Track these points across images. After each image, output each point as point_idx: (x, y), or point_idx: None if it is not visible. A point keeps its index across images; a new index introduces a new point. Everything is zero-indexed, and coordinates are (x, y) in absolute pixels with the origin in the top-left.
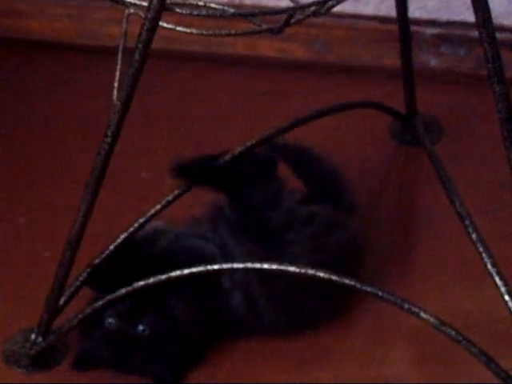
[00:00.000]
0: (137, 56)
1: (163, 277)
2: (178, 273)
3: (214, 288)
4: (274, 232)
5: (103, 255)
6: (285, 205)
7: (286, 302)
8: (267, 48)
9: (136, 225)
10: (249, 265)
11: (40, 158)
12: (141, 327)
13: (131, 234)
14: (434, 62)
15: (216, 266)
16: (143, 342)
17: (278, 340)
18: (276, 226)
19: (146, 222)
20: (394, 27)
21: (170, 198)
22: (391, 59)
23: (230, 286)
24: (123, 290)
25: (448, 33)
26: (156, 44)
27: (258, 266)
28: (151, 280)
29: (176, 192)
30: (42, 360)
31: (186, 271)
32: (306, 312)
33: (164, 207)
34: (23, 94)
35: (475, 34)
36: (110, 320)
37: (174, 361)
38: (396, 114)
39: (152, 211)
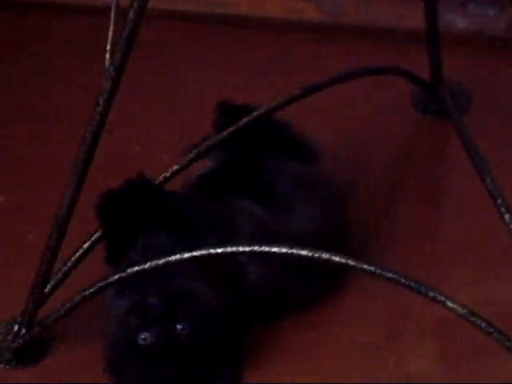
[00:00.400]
0: (131, 15)
1: (161, 261)
2: (177, 257)
3: (233, 264)
4: (280, 195)
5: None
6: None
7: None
8: (275, 8)
9: None
10: (265, 248)
11: (24, 132)
12: (179, 326)
13: None
14: (461, 24)
15: (234, 248)
16: (188, 342)
17: (286, 332)
18: (282, 189)
19: None
20: None
21: (167, 174)
22: (413, 20)
23: (245, 259)
24: (116, 276)
25: None
26: (153, 3)
27: (275, 249)
28: (147, 265)
29: (174, 168)
30: (25, 354)
31: (187, 255)
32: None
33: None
34: (4, 56)
35: None
36: (143, 336)
37: (226, 357)
38: (419, 82)
39: None
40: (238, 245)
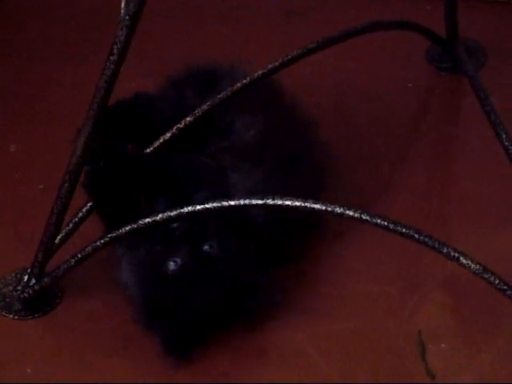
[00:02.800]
0: None
1: (172, 213)
2: (189, 209)
3: None
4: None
5: None
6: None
7: None
8: None
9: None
10: (279, 201)
11: (35, 86)
12: (206, 246)
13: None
14: None
15: (232, 202)
16: (218, 261)
17: (299, 285)
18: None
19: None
20: None
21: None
22: None
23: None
24: (127, 227)
25: None
26: None
27: (288, 202)
28: (158, 217)
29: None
30: (35, 304)
31: (199, 207)
32: None
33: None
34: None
35: None
36: (172, 263)
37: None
38: (435, 37)
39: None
40: (250, 198)
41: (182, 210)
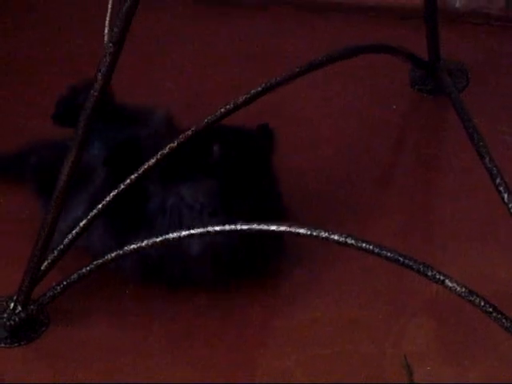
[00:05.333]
0: None
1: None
2: (174, 235)
3: None
4: None
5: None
6: None
7: None
8: None
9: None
10: (264, 227)
11: (22, 107)
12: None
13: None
14: (459, 2)
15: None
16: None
17: (286, 312)
18: None
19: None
20: None
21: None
22: None
23: None
24: (113, 254)
25: None
26: None
27: (273, 227)
28: (144, 243)
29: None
30: (21, 332)
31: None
32: None
33: None
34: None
35: None
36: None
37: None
38: (417, 60)
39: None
40: (236, 223)
41: (168, 237)
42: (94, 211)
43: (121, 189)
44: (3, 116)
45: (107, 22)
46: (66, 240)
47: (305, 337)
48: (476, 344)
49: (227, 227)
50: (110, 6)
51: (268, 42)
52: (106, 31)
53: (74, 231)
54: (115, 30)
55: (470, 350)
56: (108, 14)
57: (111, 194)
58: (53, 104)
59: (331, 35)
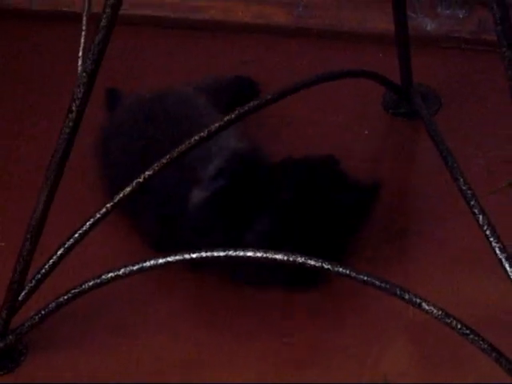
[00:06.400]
0: (104, 22)
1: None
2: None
3: None
4: None
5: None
6: None
7: None
8: (244, 13)
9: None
10: (240, 253)
11: None
12: None
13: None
14: (430, 26)
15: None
16: None
17: (266, 340)
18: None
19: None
20: None
21: None
22: (383, 23)
23: None
24: (90, 283)
25: None
26: (125, 10)
27: (249, 253)
28: (119, 272)
29: None
30: None
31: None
32: None
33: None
34: None
35: None
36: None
37: None
38: (390, 84)
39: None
40: (212, 250)
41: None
42: (70, 241)
43: (110, 206)
44: None
45: (81, 53)
46: (43, 270)
47: (282, 359)
48: (455, 365)
49: (203, 254)
50: (83, 37)
51: (244, 65)
52: (80, 62)
53: (50, 260)
54: (88, 60)
55: (449, 370)
56: (81, 45)
57: (97, 214)
58: None
59: (306, 60)
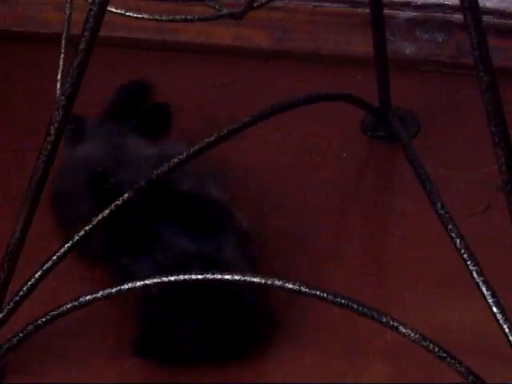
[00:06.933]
0: (83, 45)
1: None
2: (129, 285)
3: None
4: None
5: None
6: None
7: None
8: (223, 35)
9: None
10: (218, 276)
11: None
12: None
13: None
14: (409, 49)
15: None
16: None
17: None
18: None
19: None
20: (365, 10)
21: None
22: (362, 46)
23: None
24: (68, 305)
25: (424, 16)
26: (104, 31)
27: (227, 277)
28: (100, 293)
29: None
30: None
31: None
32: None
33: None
34: None
35: (454, 17)
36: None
37: None
38: (368, 107)
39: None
40: (191, 273)
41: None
42: (49, 263)
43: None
44: None
45: (59, 76)
46: (21, 292)
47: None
48: None
49: (181, 277)
50: (61, 60)
51: (221, 89)
52: (59, 85)
53: (28, 283)
54: (67, 82)
55: None
56: (60, 67)
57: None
58: None
59: (285, 83)
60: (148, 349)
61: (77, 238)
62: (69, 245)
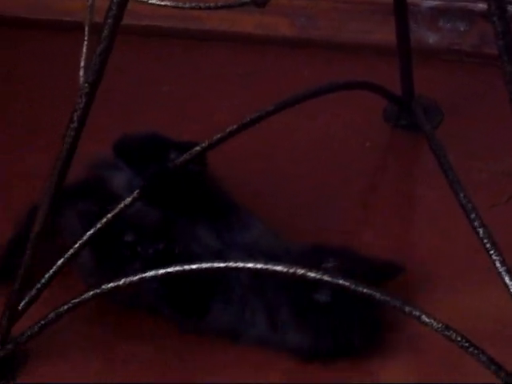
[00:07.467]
0: (106, 32)
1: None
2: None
3: None
4: None
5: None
6: None
7: None
8: (247, 23)
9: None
10: (240, 264)
11: None
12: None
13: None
14: (432, 39)
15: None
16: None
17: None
18: None
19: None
20: None
21: None
22: (385, 35)
23: None
24: (90, 293)
25: (447, 5)
26: (127, 19)
27: (250, 265)
28: (121, 281)
29: None
30: None
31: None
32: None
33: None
34: None
35: (476, 6)
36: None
37: None
38: (391, 96)
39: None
40: (213, 262)
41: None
42: (71, 251)
43: (97, 228)
44: None
45: (82, 63)
46: (43, 280)
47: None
48: (455, 380)
49: (203, 265)
50: (85, 47)
51: (245, 77)
52: (82, 73)
53: (50, 270)
54: (91, 70)
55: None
56: (83, 55)
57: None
58: None
59: (308, 71)
60: None
61: (99, 226)
62: (91, 233)
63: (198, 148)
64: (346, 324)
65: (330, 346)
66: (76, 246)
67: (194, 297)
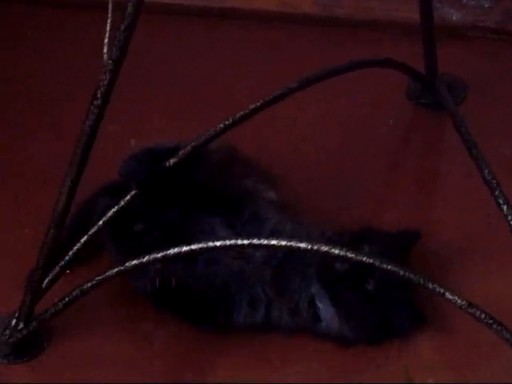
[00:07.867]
0: (130, 9)
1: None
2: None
3: None
4: None
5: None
6: None
7: None
8: (269, 0)
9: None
10: (264, 241)
11: (24, 123)
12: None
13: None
14: (456, 16)
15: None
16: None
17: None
18: None
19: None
20: None
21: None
22: (408, 12)
23: None
24: (115, 270)
25: None
26: None
27: (273, 242)
28: (145, 258)
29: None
30: (23, 348)
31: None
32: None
33: None
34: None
35: None
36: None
37: None
38: (414, 74)
39: None
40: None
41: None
42: (94, 228)
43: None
44: None
45: (106, 40)
46: (67, 257)
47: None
48: (479, 357)
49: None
50: (108, 24)
51: (266, 55)
52: (105, 49)
53: (74, 248)
54: (114, 47)
55: (473, 363)
56: (107, 32)
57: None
58: None
59: (331, 49)
60: None
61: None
62: (114, 210)
63: (221, 125)
64: (389, 309)
65: (375, 332)
66: (99, 223)
67: (202, 308)
